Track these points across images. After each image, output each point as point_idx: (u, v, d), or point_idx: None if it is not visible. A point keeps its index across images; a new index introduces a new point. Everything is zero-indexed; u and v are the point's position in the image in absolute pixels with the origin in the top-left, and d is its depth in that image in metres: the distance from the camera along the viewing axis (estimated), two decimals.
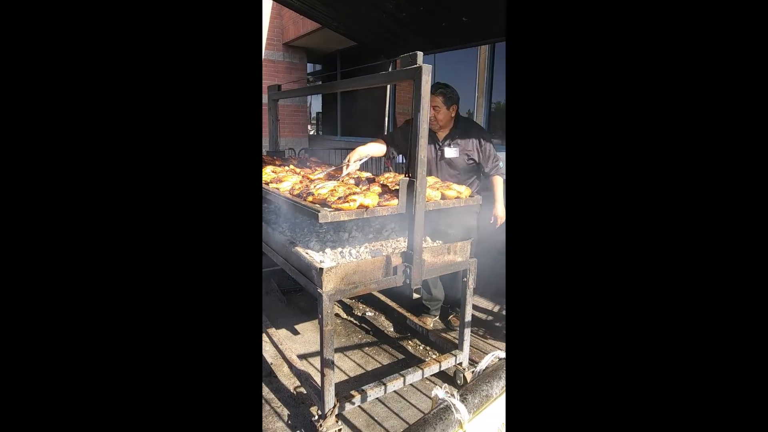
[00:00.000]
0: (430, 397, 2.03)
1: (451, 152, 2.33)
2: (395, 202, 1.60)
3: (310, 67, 8.72)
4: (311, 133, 9.38)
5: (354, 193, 1.56)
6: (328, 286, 1.51)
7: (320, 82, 9.34)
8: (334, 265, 1.54)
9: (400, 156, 6.22)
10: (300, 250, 1.71)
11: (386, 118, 4.77)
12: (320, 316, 1.53)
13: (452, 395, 0.72)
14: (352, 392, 1.75)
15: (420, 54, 1.52)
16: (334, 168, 2.08)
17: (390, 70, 3.99)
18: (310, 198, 1.62)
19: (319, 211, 1.44)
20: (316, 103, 9.75)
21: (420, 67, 1.49)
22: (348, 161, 2.10)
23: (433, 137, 2.37)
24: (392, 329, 2.70)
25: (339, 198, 1.53)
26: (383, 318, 2.83)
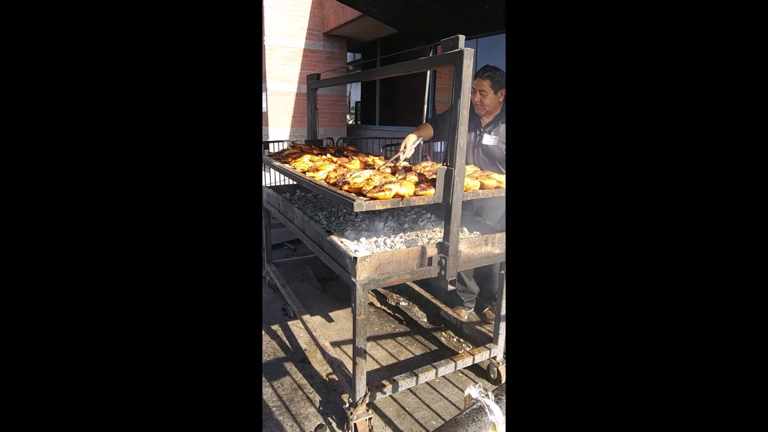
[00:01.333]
0: (462, 390, 2.00)
1: (489, 139, 2.25)
2: (432, 191, 1.56)
3: (349, 57, 8.72)
4: (350, 122, 9.42)
5: (390, 182, 1.53)
6: (362, 275, 1.50)
7: (360, 70, 9.34)
8: (368, 254, 1.53)
9: (439, 144, 6.13)
10: (335, 239, 1.70)
11: (425, 107, 4.68)
12: (353, 305, 1.53)
13: (486, 395, 0.68)
14: (384, 382, 1.74)
15: (461, 38, 1.46)
16: (394, 158, 2.08)
17: (430, 53, 3.91)
18: (345, 187, 1.61)
19: (354, 200, 1.43)
20: (355, 93, 9.77)
21: (461, 51, 1.43)
22: (404, 146, 2.12)
23: (475, 121, 2.29)
24: (425, 320, 2.67)
25: (375, 187, 1.50)
26: (417, 308, 2.80)
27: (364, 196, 1.53)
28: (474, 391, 0.71)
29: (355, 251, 1.67)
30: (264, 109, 7.79)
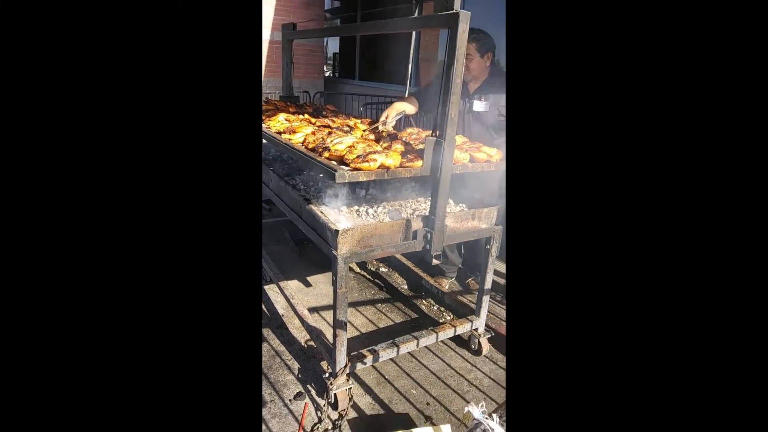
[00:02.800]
0: (443, 360, 2.03)
1: (480, 105, 2.15)
2: (419, 163, 1.49)
3: (327, 3, 8.17)
4: (327, 74, 8.99)
5: (374, 152, 1.44)
6: (344, 248, 1.44)
7: (338, 21, 8.82)
8: (350, 227, 1.46)
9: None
10: (314, 208, 1.62)
11: (410, 64, 4.48)
12: (334, 278, 1.48)
13: (489, 416, 0.65)
14: (364, 352, 1.74)
15: None
16: (373, 127, 1.97)
17: (416, 11, 3.67)
18: (326, 154, 1.51)
19: (336, 171, 1.34)
20: (333, 44, 9.25)
21: (456, 14, 1.30)
22: (386, 117, 2.01)
23: (463, 89, 2.18)
24: (406, 287, 2.67)
25: (358, 156, 1.41)
26: (397, 275, 2.80)
27: (346, 165, 1.44)
28: (476, 411, 0.68)
29: (336, 222, 1.60)
30: None
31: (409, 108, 2.13)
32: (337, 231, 1.40)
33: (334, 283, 1.49)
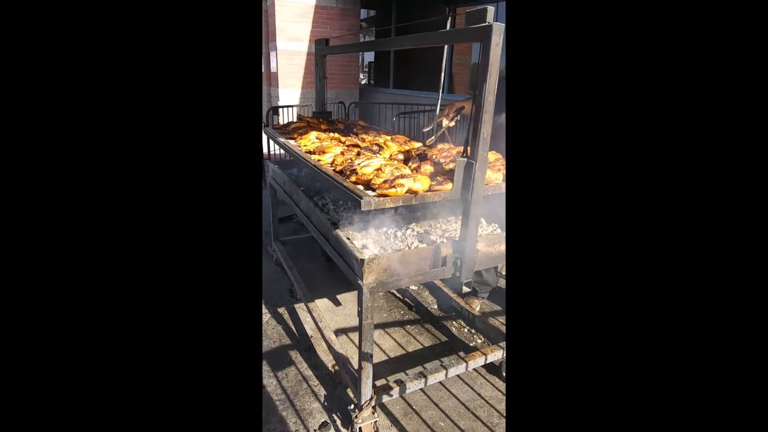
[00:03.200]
0: (473, 388, 1.92)
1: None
2: (449, 186, 1.40)
3: (363, 13, 8.23)
4: (363, 82, 9.03)
5: (402, 177, 1.37)
6: (370, 277, 1.37)
7: (374, 29, 8.86)
8: (376, 255, 1.39)
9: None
10: (341, 234, 1.57)
11: (442, 72, 4.37)
12: (359, 308, 1.41)
13: None
14: (391, 383, 1.66)
15: (491, 9, 1.24)
16: (435, 123, 1.97)
17: (449, 21, 3.58)
18: (353, 177, 1.45)
19: (362, 198, 1.28)
20: (368, 53, 9.30)
21: (489, 26, 1.22)
22: (448, 112, 2.06)
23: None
24: (436, 306, 2.57)
25: (385, 181, 1.35)
26: (427, 293, 2.70)
27: (373, 189, 1.38)
28: None
29: (363, 248, 1.54)
30: (273, 70, 7.47)
31: (468, 107, 2.08)
32: (362, 260, 1.34)
33: (360, 314, 1.42)
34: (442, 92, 4.68)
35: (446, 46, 4.34)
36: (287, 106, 5.67)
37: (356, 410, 1.57)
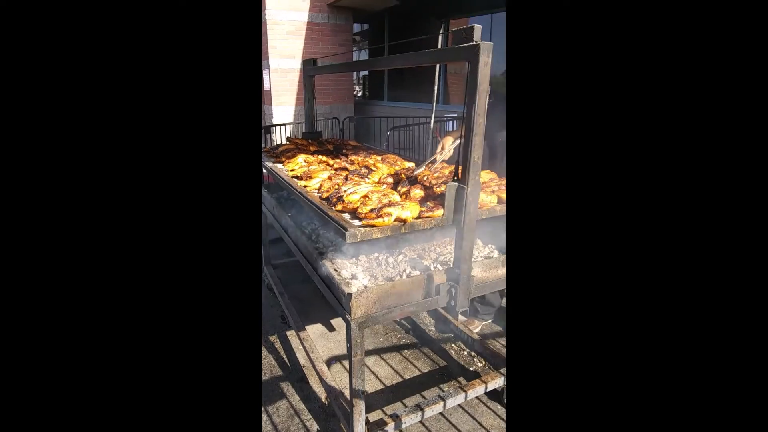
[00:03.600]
0: (473, 417, 1.83)
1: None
2: (440, 212, 1.33)
3: (356, 27, 8.26)
4: (358, 94, 9.02)
5: (390, 204, 1.30)
6: (358, 312, 1.30)
7: (367, 43, 8.89)
8: (364, 288, 1.32)
9: (451, 123, 5.76)
10: (328, 264, 1.49)
11: (435, 85, 4.35)
12: (348, 344, 1.33)
13: None
14: (385, 418, 1.57)
15: (477, 28, 1.19)
16: (431, 159, 1.85)
17: (440, 38, 3.56)
18: (339, 206, 1.39)
19: (347, 230, 1.21)
20: None
21: (477, 46, 1.16)
22: (442, 147, 1.94)
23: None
24: (434, 328, 2.49)
25: (372, 210, 1.28)
26: (425, 314, 2.62)
27: (360, 218, 1.31)
28: None
29: (352, 277, 1.47)
30: (266, 88, 7.46)
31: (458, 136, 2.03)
32: (349, 294, 1.26)
33: (349, 350, 1.34)
34: (437, 103, 4.66)
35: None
36: (280, 125, 5.63)
37: None
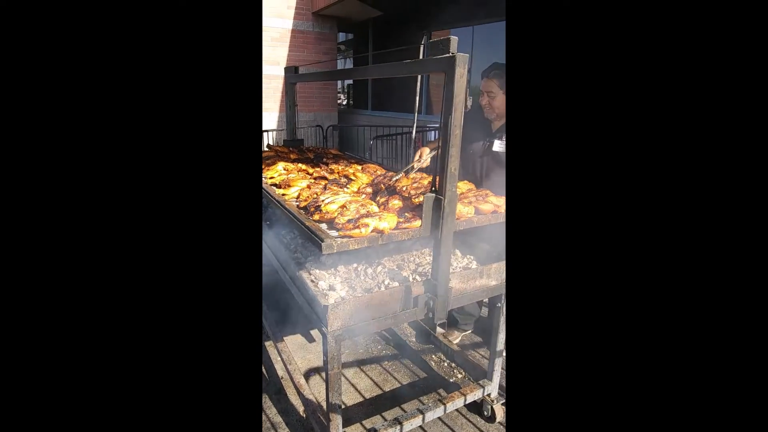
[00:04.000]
0: (452, 429, 1.81)
1: (499, 145, 1.99)
2: (418, 223, 1.33)
3: (341, 36, 8.29)
4: (343, 103, 9.04)
5: (368, 215, 1.29)
6: (335, 323, 1.28)
7: (352, 52, 8.93)
8: (342, 300, 1.30)
9: (433, 133, 5.81)
10: (305, 276, 1.47)
11: (417, 96, 4.38)
12: (324, 358, 1.31)
13: None
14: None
15: (454, 40, 1.19)
16: (408, 168, 1.84)
17: (422, 48, 3.59)
18: (316, 216, 1.37)
19: (323, 240, 1.19)
20: None
21: (453, 57, 1.17)
22: (419, 155, 1.99)
23: (485, 128, 2.04)
24: (414, 338, 2.47)
25: (349, 221, 1.26)
26: (405, 325, 2.60)
27: (336, 229, 1.30)
28: None
29: (329, 289, 1.45)
30: None
31: (434, 146, 2.03)
32: (326, 306, 1.24)
33: (325, 363, 1.32)
34: (420, 114, 4.68)
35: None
36: (265, 131, 5.59)
37: None
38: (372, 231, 1.27)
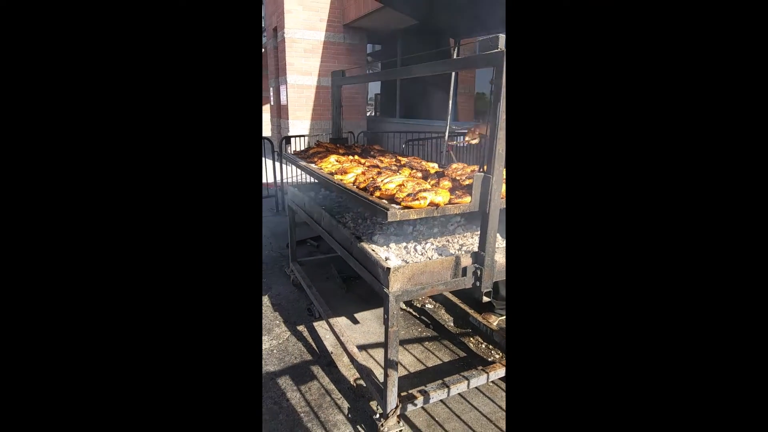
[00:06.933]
0: (493, 401, 1.94)
1: None
2: (468, 199, 1.50)
3: (369, 48, 8.60)
4: (369, 114, 9.32)
5: (424, 190, 1.47)
6: (395, 286, 1.45)
7: (379, 63, 9.22)
8: (401, 265, 1.47)
9: (461, 137, 5.95)
10: (365, 246, 1.65)
11: (450, 100, 4.56)
12: (386, 316, 1.48)
13: None
14: (415, 393, 1.70)
15: (502, 37, 1.37)
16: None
17: (455, 51, 3.79)
18: (377, 193, 1.55)
19: (388, 210, 1.37)
20: (373, 85, 9.65)
21: (502, 52, 1.35)
22: (473, 132, 2.25)
23: None
24: (452, 323, 2.62)
25: (408, 195, 1.44)
26: (443, 311, 2.75)
27: (397, 203, 1.48)
28: None
29: (387, 260, 1.62)
30: (284, 102, 7.76)
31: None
32: (388, 269, 1.42)
33: (386, 321, 1.49)
34: (450, 120, 4.86)
35: (453, 76, 4.54)
36: (298, 136, 5.87)
37: (382, 419, 1.60)
38: (429, 204, 1.44)
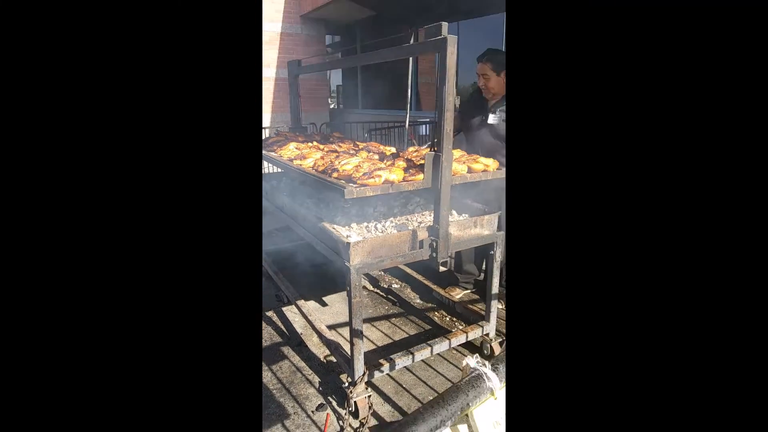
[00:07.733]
0: (458, 367, 2.09)
1: (492, 118, 2.30)
2: (420, 176, 1.61)
3: (328, 39, 8.58)
4: (332, 106, 9.32)
5: (379, 169, 1.57)
6: (356, 259, 1.55)
7: (339, 55, 9.21)
8: (360, 239, 1.57)
9: (424, 126, 6.08)
10: (327, 225, 1.74)
11: (408, 92, 4.68)
12: (348, 288, 1.58)
13: (483, 364, 0.75)
14: (381, 361, 1.81)
15: (445, 25, 1.48)
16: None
17: (412, 40, 3.89)
18: (335, 174, 1.64)
19: (344, 188, 1.46)
20: (335, 77, 9.65)
21: (445, 39, 1.45)
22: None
23: (483, 106, 2.35)
24: (419, 300, 2.75)
25: (364, 174, 1.54)
26: (409, 290, 2.88)
27: (354, 183, 1.57)
28: (472, 361, 0.77)
29: (348, 236, 1.71)
30: None
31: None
32: (348, 244, 1.51)
33: (349, 293, 1.59)
34: (410, 109, 4.98)
35: (411, 65, 4.64)
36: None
37: (351, 387, 1.71)
38: (383, 182, 1.54)
